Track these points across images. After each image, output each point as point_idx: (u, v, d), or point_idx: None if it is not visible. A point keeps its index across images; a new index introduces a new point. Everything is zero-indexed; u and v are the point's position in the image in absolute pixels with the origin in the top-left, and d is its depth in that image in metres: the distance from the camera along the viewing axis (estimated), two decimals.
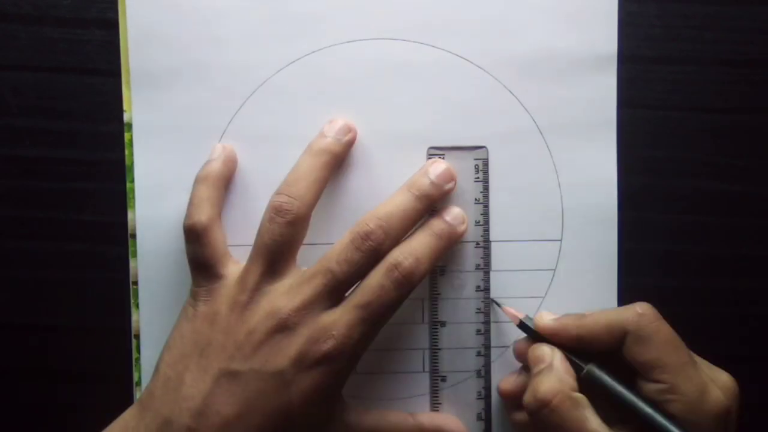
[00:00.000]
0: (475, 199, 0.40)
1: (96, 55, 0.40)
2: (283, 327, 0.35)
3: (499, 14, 0.40)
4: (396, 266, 0.36)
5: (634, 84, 0.41)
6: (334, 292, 0.36)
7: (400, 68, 0.40)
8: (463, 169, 0.40)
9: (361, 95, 0.40)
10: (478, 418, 0.41)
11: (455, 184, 0.39)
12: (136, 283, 0.40)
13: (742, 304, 0.42)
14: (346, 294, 0.37)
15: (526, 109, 0.41)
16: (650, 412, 0.34)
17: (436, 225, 0.38)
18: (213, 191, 0.38)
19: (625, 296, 0.41)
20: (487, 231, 0.41)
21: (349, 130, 0.39)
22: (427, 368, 0.41)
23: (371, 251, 0.36)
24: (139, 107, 0.40)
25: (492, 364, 0.41)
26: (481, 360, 0.41)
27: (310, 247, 0.39)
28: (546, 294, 0.41)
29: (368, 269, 0.36)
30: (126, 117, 0.40)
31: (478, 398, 0.41)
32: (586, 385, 0.36)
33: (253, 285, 0.36)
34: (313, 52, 0.40)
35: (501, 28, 0.40)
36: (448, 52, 0.40)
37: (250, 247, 0.37)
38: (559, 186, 0.41)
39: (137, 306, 0.40)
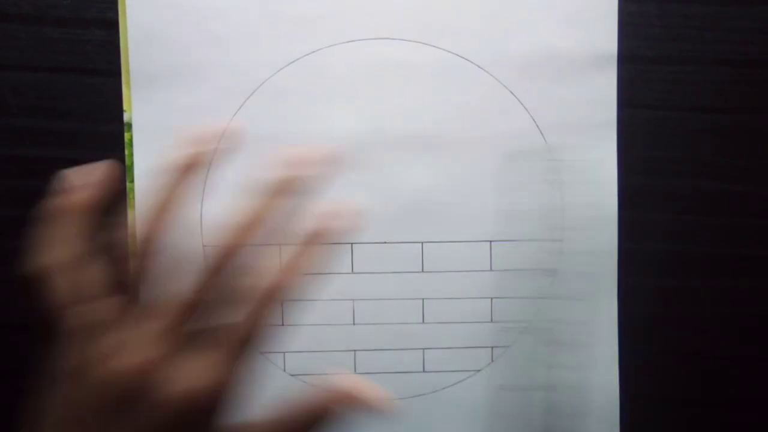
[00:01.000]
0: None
1: (96, 55, 0.40)
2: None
3: (499, 14, 0.40)
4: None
5: (634, 84, 0.41)
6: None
7: (400, 68, 0.40)
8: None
9: (361, 95, 0.40)
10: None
11: (316, 169, 0.29)
12: None
13: (742, 304, 0.42)
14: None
15: (526, 109, 0.41)
16: None
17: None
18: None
19: (625, 296, 0.41)
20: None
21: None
22: (426, 368, 0.41)
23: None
24: (139, 107, 0.40)
25: (492, 364, 0.41)
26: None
27: None
28: (546, 294, 0.41)
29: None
30: (126, 117, 0.40)
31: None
32: None
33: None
34: (313, 52, 0.40)
35: (501, 27, 0.40)
36: (448, 52, 0.40)
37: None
38: (560, 186, 0.41)
39: None
